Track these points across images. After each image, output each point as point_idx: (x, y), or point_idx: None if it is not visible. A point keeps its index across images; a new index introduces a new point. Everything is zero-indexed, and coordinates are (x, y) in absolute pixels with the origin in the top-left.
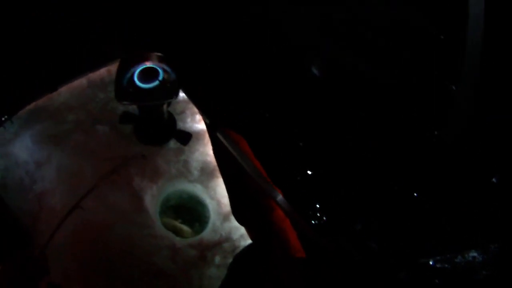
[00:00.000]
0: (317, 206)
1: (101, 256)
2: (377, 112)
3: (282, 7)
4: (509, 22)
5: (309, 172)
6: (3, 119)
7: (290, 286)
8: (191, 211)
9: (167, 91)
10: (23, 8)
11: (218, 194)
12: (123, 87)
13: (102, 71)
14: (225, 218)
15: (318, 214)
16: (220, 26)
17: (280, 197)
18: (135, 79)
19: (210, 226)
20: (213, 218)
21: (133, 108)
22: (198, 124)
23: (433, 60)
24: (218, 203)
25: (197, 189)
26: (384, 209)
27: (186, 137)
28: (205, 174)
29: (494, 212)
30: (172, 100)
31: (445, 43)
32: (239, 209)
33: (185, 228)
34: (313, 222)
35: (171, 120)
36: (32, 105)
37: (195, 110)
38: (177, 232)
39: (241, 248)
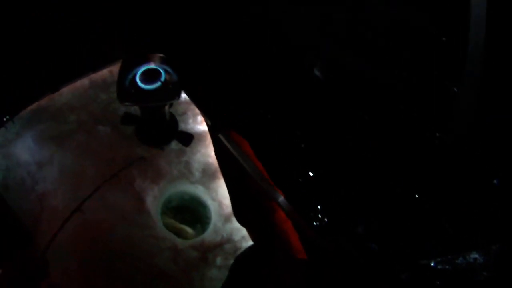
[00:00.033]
0: (319, 207)
1: (101, 256)
2: (377, 113)
3: (282, 7)
4: (511, 22)
5: (311, 174)
6: (4, 119)
7: (292, 287)
8: (193, 212)
9: (169, 92)
10: (23, 8)
11: (220, 195)
12: (125, 88)
13: (104, 72)
14: (227, 220)
15: (320, 216)
16: (220, 26)
17: (281, 198)
18: (137, 80)
19: (211, 227)
20: (215, 219)
21: (135, 109)
22: (200, 125)
23: (434, 61)
24: (220, 204)
25: (199, 190)
26: (385, 210)
27: (188, 138)
28: (207, 175)
29: (495, 213)
30: (174, 101)
31: (446, 44)
32: (240, 211)
33: (186, 229)
34: (314, 223)
35: (173, 121)
36: (34, 106)
37: (197, 111)
38: (179, 233)
39: (242, 249)
